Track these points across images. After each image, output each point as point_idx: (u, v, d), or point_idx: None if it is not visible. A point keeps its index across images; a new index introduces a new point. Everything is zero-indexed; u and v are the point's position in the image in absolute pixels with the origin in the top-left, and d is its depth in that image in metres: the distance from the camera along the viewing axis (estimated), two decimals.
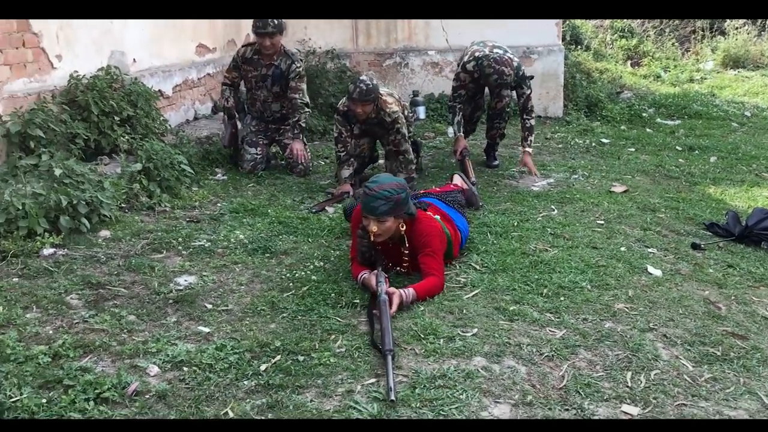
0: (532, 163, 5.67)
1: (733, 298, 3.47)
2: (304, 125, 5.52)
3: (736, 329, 3.09)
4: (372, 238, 3.34)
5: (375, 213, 3.27)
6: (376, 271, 3.33)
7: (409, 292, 3.20)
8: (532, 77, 5.77)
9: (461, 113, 5.73)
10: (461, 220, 3.97)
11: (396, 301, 3.09)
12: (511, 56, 5.46)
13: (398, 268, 3.57)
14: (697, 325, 3.10)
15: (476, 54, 5.45)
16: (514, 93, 5.69)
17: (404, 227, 3.40)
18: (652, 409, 2.45)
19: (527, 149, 5.63)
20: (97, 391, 2.40)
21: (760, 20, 13.62)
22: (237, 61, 5.65)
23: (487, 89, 5.78)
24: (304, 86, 5.52)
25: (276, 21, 5.32)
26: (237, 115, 5.69)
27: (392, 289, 3.14)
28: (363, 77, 4.97)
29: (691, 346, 2.91)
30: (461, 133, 5.67)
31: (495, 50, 5.43)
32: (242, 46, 5.73)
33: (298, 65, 5.51)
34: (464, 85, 5.63)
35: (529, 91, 5.64)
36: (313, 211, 4.66)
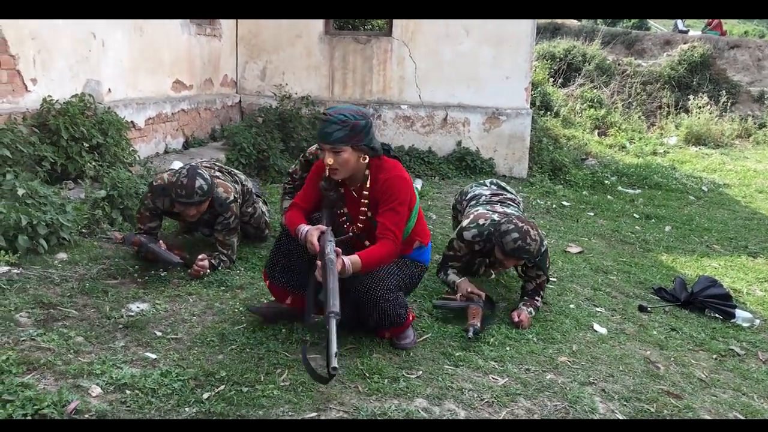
0: (527, 320, 3.77)
1: (672, 359, 3.58)
2: (218, 266, 4.16)
3: (672, 388, 3.19)
4: (327, 174, 2.98)
5: (329, 139, 2.90)
6: (323, 229, 2.94)
7: (354, 260, 2.89)
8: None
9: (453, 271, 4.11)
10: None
11: (337, 268, 2.76)
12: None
13: (352, 228, 3.18)
14: (635, 382, 3.20)
15: (480, 221, 3.98)
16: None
17: (368, 169, 3.05)
18: None
19: (534, 305, 3.90)
20: (35, 407, 2.39)
21: (722, 101, 14.23)
22: (157, 210, 4.22)
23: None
24: (233, 240, 4.27)
25: (206, 187, 3.98)
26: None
27: (338, 249, 2.85)
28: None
29: (627, 402, 2.99)
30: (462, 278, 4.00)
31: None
32: (149, 193, 4.21)
33: (228, 217, 4.17)
34: (458, 257, 4.09)
35: (544, 277, 3.99)
36: None
